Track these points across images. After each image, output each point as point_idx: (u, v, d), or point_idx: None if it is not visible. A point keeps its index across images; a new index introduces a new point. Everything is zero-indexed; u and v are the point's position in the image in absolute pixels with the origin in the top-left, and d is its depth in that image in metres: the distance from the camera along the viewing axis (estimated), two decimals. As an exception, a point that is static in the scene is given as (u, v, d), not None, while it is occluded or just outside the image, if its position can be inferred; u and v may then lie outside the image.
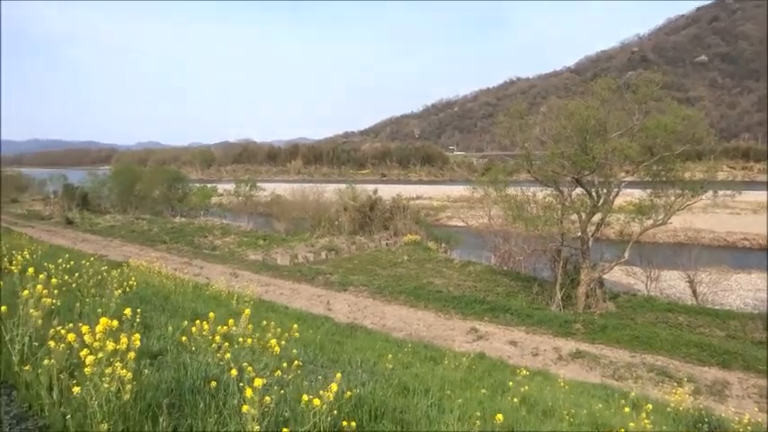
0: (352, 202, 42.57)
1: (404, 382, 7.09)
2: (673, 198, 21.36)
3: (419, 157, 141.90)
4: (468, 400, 5.88)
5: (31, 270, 5.03)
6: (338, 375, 3.84)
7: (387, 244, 36.64)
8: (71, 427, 3.46)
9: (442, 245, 36.12)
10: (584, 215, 21.95)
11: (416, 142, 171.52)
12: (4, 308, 4.36)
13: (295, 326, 4.78)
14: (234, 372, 3.56)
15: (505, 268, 29.63)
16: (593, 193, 21.81)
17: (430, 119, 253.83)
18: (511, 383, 8.04)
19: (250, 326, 4.38)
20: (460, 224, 43.69)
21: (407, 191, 61.52)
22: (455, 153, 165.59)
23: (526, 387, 8.02)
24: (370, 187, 50.36)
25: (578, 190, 22.47)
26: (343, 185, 50.64)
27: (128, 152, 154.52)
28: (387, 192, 48.43)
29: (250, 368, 3.74)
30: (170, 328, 6.73)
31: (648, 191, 22.33)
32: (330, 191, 48.68)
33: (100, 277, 10.33)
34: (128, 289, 9.18)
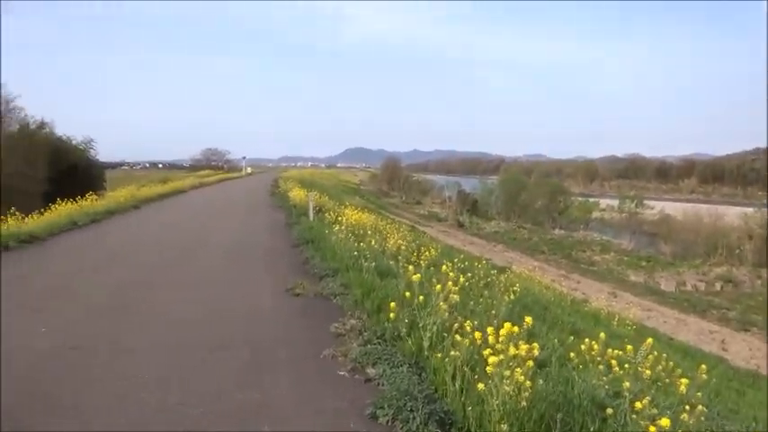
0: (759, 229, 36.55)
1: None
2: None
3: None
4: None
5: (444, 267, 5.64)
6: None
7: (807, 283, 30.38)
8: (470, 419, 3.71)
9: None
10: None
11: None
12: (421, 297, 4.98)
13: (703, 366, 4.21)
14: (639, 404, 3.30)
15: None
16: None
17: None
18: None
19: (650, 356, 4.03)
20: None
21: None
22: None
23: None
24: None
25: None
26: (749, 209, 44.17)
27: (515, 163, 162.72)
28: (813, 219, 40.03)
29: (647, 401, 3.42)
30: (555, 340, 6.77)
31: None
32: (732, 214, 42.80)
33: (489, 279, 11.14)
34: (512, 294, 9.57)
